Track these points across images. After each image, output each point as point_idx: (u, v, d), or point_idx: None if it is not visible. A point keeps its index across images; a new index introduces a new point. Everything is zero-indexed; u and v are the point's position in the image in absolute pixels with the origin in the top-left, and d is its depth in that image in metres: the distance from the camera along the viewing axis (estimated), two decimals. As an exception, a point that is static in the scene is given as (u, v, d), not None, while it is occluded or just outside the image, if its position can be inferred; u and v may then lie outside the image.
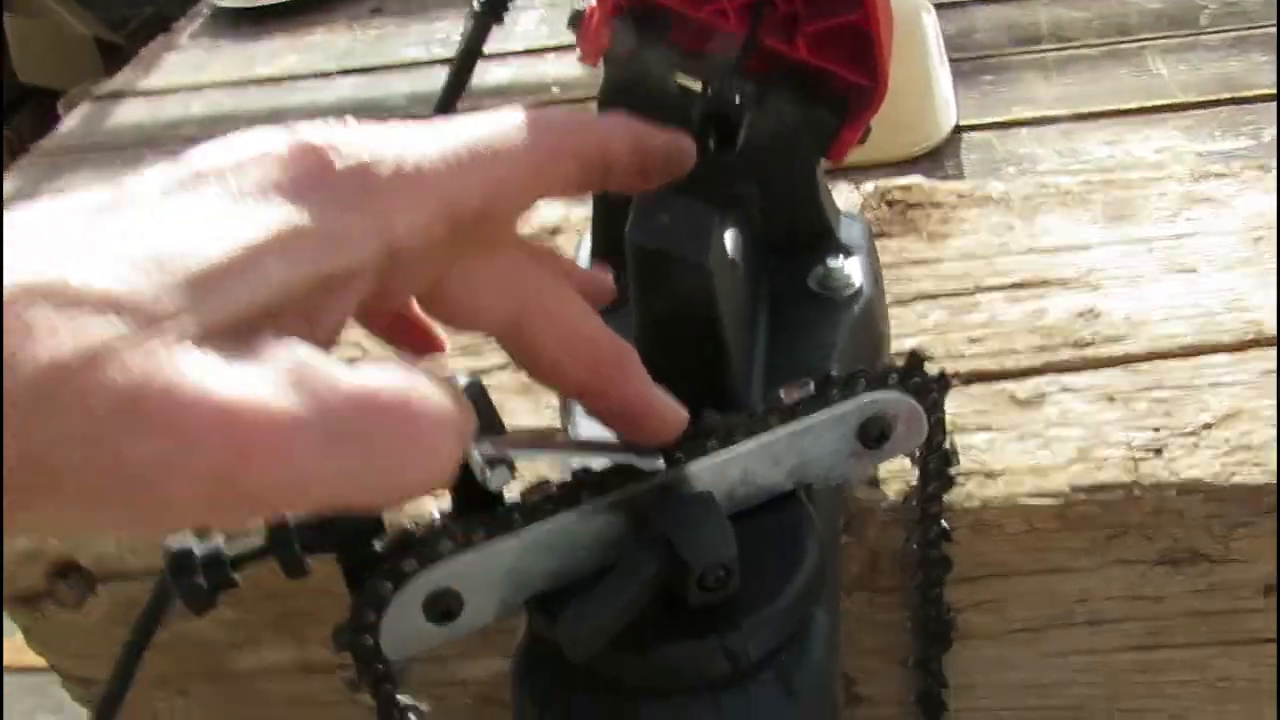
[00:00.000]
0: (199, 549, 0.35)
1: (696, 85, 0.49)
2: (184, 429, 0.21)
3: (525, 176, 0.30)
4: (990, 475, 0.46)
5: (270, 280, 0.24)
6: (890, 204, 0.60)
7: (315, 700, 0.53)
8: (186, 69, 1.68)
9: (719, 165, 0.50)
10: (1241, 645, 0.48)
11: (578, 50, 0.48)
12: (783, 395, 0.38)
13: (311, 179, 0.26)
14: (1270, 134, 0.56)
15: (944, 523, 0.45)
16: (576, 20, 0.48)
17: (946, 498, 0.44)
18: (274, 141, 0.26)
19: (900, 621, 0.49)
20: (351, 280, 0.26)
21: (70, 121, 1.61)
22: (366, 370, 0.24)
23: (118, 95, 1.64)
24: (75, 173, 1.44)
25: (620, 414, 0.35)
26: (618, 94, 0.49)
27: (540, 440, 0.36)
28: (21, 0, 2.55)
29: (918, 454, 0.43)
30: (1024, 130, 1.25)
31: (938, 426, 0.41)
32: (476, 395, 0.34)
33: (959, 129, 1.28)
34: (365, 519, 0.36)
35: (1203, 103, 1.23)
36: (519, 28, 1.63)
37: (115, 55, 1.82)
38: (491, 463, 0.33)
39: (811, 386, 0.38)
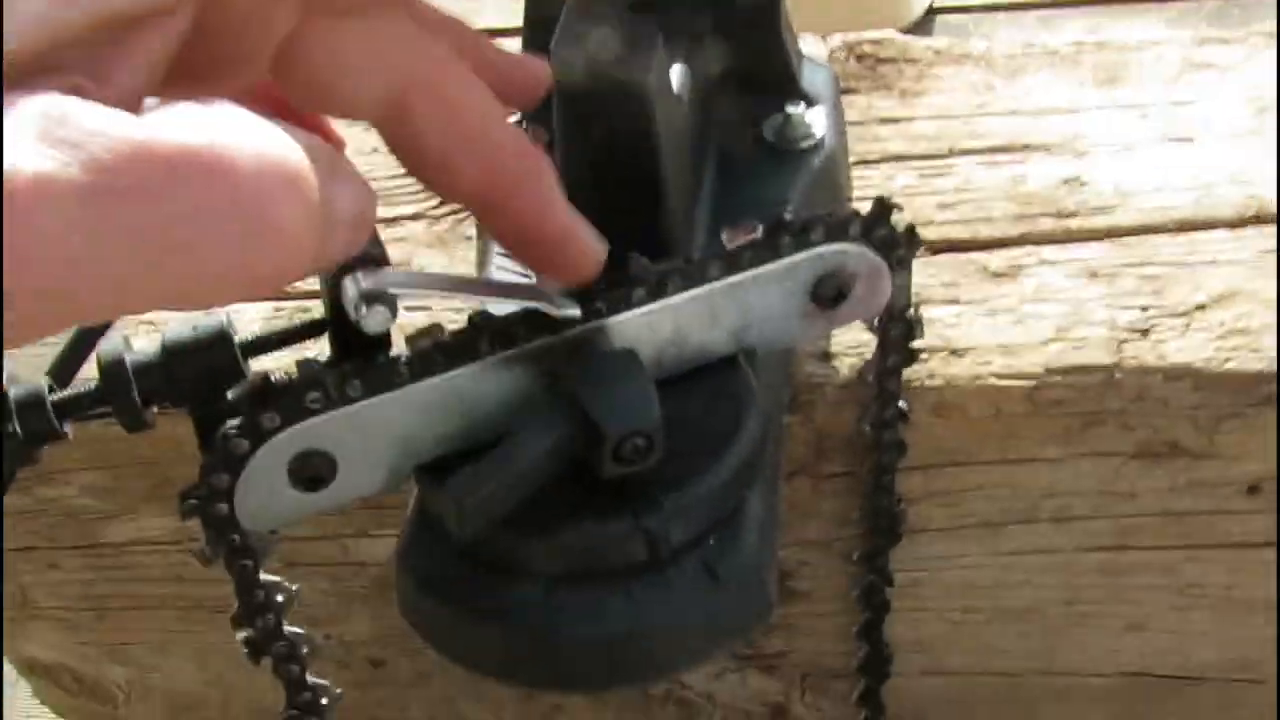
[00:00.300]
0: (15, 391, 0.29)
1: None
2: None
3: None
4: (955, 352, 0.41)
5: (33, 18, 0.18)
6: (860, 58, 0.54)
7: (198, 575, 0.48)
8: None
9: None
10: (1217, 549, 0.44)
11: None
12: (725, 239, 0.32)
13: None
14: (1260, 28, 0.51)
15: (901, 403, 0.40)
16: None
17: (906, 374, 0.39)
18: None
19: (845, 512, 0.45)
20: (149, 22, 0.20)
21: None
22: (156, 116, 0.18)
23: None
24: None
25: (525, 238, 0.29)
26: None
27: (432, 279, 0.30)
28: None
29: (877, 322, 0.38)
30: (1000, 15, 1.19)
31: (902, 289, 0.35)
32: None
33: (932, 10, 1.22)
34: (219, 363, 0.30)
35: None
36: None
37: None
38: (368, 299, 0.28)
39: (760, 231, 0.32)
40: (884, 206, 0.33)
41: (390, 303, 0.28)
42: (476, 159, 0.27)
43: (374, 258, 0.28)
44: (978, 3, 1.23)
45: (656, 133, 0.36)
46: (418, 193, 0.51)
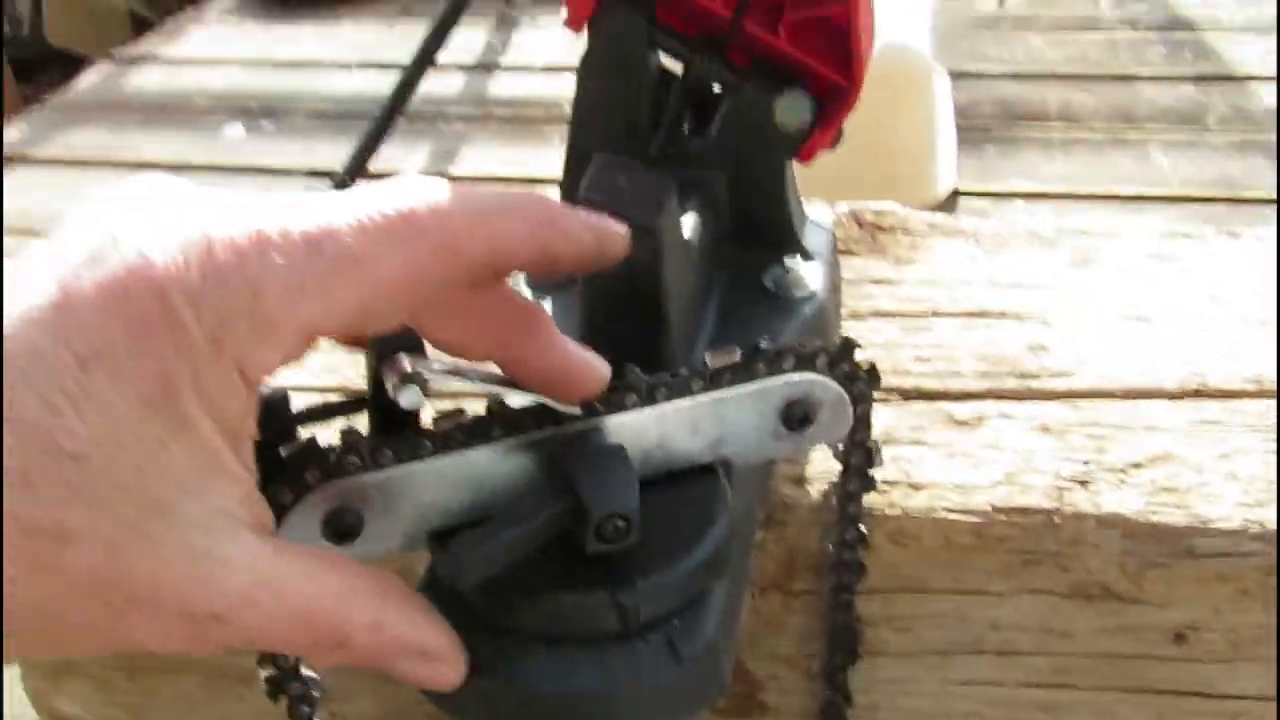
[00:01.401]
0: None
1: (678, 67, 0.49)
2: None
3: (393, 293, 0.30)
4: (914, 487, 0.46)
5: None
6: (861, 224, 0.60)
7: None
8: (209, 43, 1.70)
9: (691, 148, 0.50)
10: (1148, 694, 0.48)
11: (564, 13, 0.48)
12: (708, 359, 0.38)
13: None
14: (1262, 233, 0.56)
15: (861, 526, 0.45)
16: (568, -15, 0.49)
17: (866, 501, 0.44)
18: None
19: (811, 628, 0.49)
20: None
21: (87, 79, 1.62)
22: None
23: (138, 60, 1.66)
24: (85, 127, 1.45)
25: (536, 379, 0.35)
26: (597, 66, 0.49)
27: (460, 367, 0.36)
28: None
29: (840, 448, 0.43)
30: (1020, 202, 1.27)
31: (862, 420, 0.41)
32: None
33: (957, 193, 1.29)
34: (276, 426, 0.36)
35: (1199, 198, 1.24)
36: (543, 43, 1.65)
37: (148, 30, 1.84)
38: (405, 380, 0.33)
39: (738, 355, 0.38)
40: (848, 346, 0.39)
41: (423, 384, 0.33)
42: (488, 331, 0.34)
43: (412, 344, 0.34)
44: (999, 190, 1.31)
45: (663, 270, 0.42)
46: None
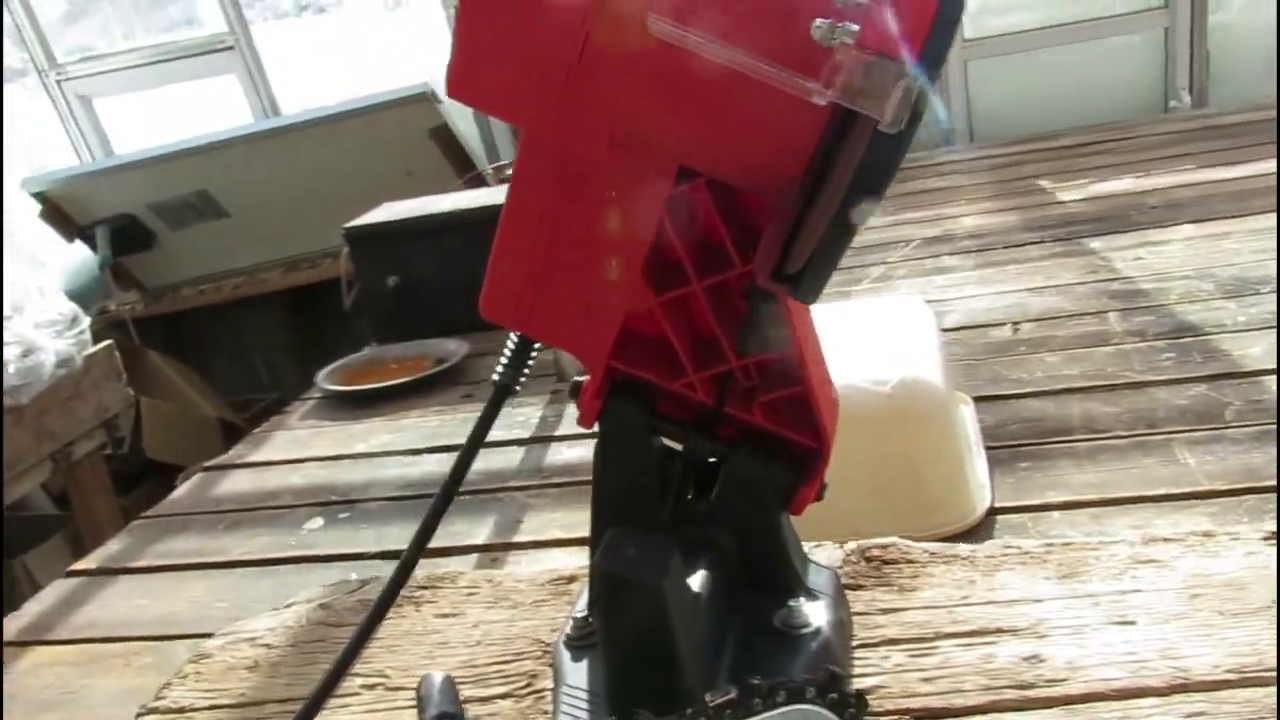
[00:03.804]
0: None
1: (677, 445, 0.58)
2: None
3: None
4: (928, 803, 0.49)
5: None
6: (868, 559, 0.67)
7: None
8: (291, 445, 1.86)
9: (696, 513, 0.58)
10: None
11: (576, 415, 0.57)
12: (707, 699, 0.43)
13: None
14: (1197, 528, 0.62)
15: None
16: (575, 391, 0.59)
17: (881, 819, 0.48)
18: None
19: None
20: None
21: (181, 489, 1.77)
22: None
23: (226, 467, 1.82)
24: (180, 535, 1.58)
25: None
26: (609, 452, 0.58)
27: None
28: (157, 384, 2.84)
29: (847, 772, 0.47)
30: (1056, 514, 1.31)
31: (859, 743, 0.45)
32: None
33: (993, 510, 1.34)
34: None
35: (1228, 491, 1.28)
36: (591, 413, 1.78)
37: (237, 437, 2.02)
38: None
39: (734, 692, 0.43)
40: (834, 677, 0.45)
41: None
42: None
43: (453, 715, 0.41)
44: (1035, 503, 1.36)
45: (672, 620, 0.48)
46: (509, 676, 0.64)
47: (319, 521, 1.56)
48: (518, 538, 1.43)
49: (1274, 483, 1.27)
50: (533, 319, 0.55)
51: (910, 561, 0.66)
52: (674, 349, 0.54)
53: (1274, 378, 1.49)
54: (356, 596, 0.80)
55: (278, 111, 3.92)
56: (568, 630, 0.58)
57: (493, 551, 1.33)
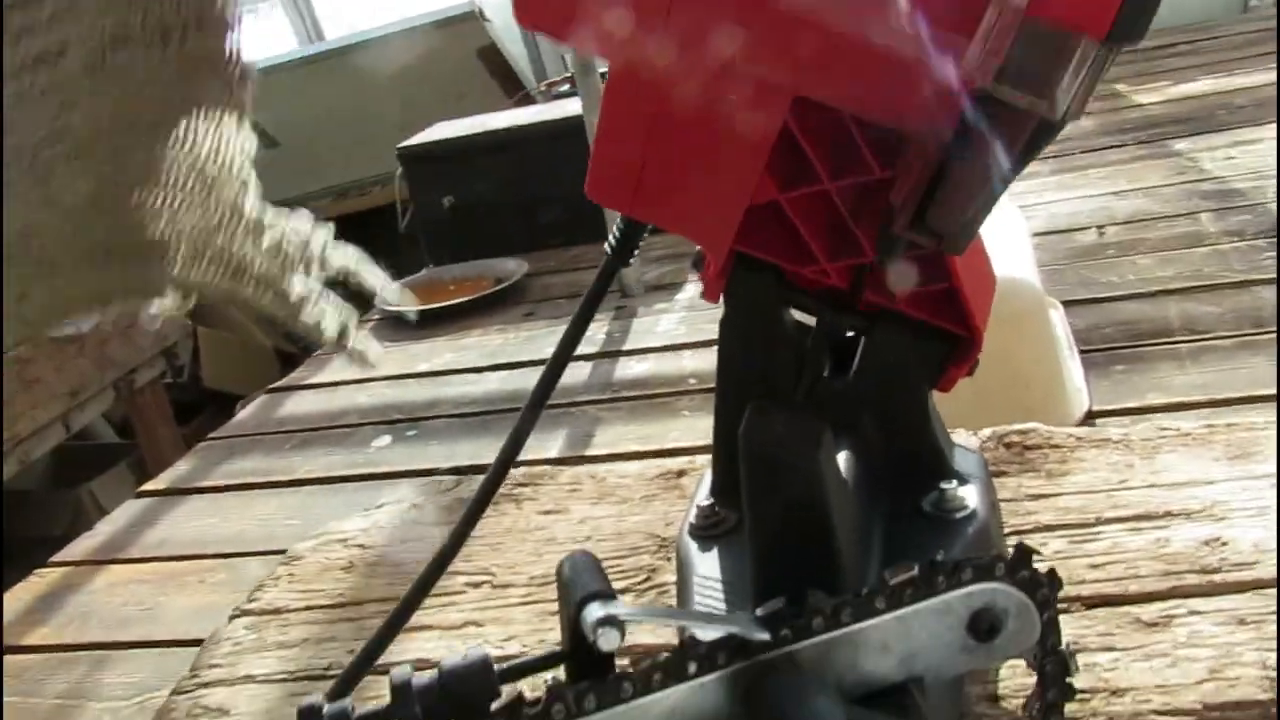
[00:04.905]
0: (328, 708, 0.37)
1: (810, 318, 0.53)
2: None
3: None
4: (1115, 693, 0.45)
5: None
6: (1008, 446, 0.61)
7: None
8: (353, 367, 1.83)
9: (834, 392, 0.53)
10: None
11: (700, 286, 0.52)
12: (887, 576, 0.39)
13: None
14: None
15: (1067, 739, 0.44)
16: (699, 262, 0.53)
17: (1067, 711, 0.43)
18: None
19: None
20: None
21: (245, 411, 1.75)
22: None
23: (290, 389, 1.79)
24: (246, 456, 1.55)
25: None
26: (736, 327, 0.53)
27: (652, 610, 0.37)
28: (214, 314, 2.82)
29: (1034, 658, 0.42)
30: (1160, 416, 1.25)
31: (1050, 626, 0.41)
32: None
33: (1092, 414, 1.28)
34: (482, 685, 0.37)
35: (1344, 389, 1.21)
36: (660, 326, 1.73)
37: (294, 365, 1.99)
38: (602, 623, 0.35)
39: (915, 569, 0.39)
40: (1024, 552, 0.40)
41: (620, 626, 0.35)
42: None
43: (606, 593, 0.36)
44: (1136, 405, 1.30)
45: (829, 503, 0.43)
46: (626, 570, 0.59)
47: (386, 439, 1.53)
48: (590, 450, 1.40)
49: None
50: (646, 202, 0.49)
51: (1055, 446, 0.60)
52: (804, 237, 0.48)
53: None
54: (452, 495, 0.76)
55: (322, 37, 3.85)
56: (691, 519, 0.53)
57: (566, 465, 1.29)
